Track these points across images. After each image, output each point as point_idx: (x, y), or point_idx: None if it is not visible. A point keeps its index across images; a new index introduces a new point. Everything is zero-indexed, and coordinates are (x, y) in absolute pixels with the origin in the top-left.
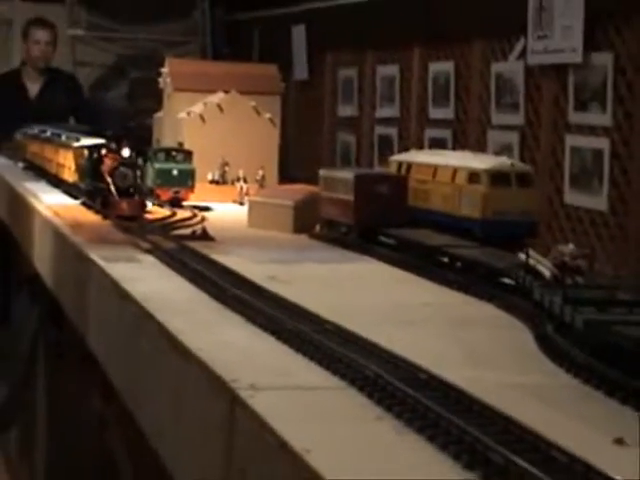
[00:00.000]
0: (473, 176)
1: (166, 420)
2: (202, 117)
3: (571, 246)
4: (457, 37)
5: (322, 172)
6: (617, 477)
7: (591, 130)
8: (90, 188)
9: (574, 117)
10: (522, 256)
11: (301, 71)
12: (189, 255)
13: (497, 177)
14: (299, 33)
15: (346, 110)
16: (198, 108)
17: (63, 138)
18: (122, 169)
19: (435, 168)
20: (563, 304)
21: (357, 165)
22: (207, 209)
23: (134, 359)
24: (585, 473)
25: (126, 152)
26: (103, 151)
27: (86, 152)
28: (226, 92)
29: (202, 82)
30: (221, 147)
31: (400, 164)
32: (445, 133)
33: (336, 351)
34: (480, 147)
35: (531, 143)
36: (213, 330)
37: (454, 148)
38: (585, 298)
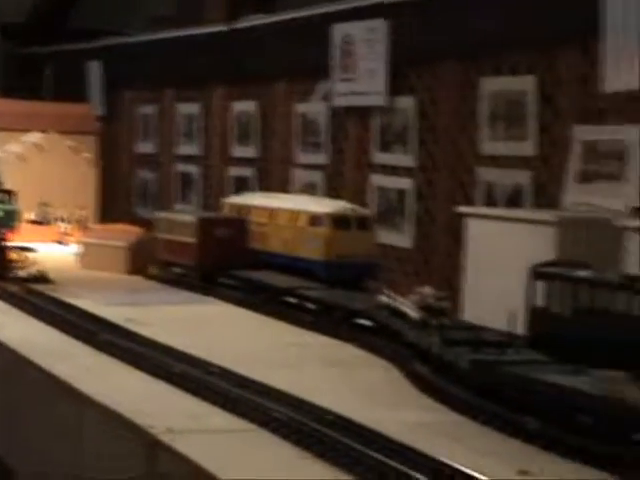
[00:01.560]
0: (315, 219)
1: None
2: (21, 156)
3: (428, 288)
4: (260, 77)
5: (160, 214)
6: None
7: (395, 170)
8: None
9: (378, 157)
10: (383, 298)
11: (98, 107)
12: (40, 298)
13: (339, 221)
14: (95, 69)
15: (146, 147)
16: (16, 147)
17: None
18: None
19: (273, 211)
20: (442, 345)
21: (157, 204)
22: (31, 250)
23: (12, 408)
24: None
25: None
26: None
27: None
28: (43, 132)
29: (17, 121)
30: (40, 187)
31: (235, 206)
32: (249, 171)
33: (236, 394)
34: (284, 186)
35: (336, 182)
36: (103, 376)
37: (259, 187)
38: (461, 339)
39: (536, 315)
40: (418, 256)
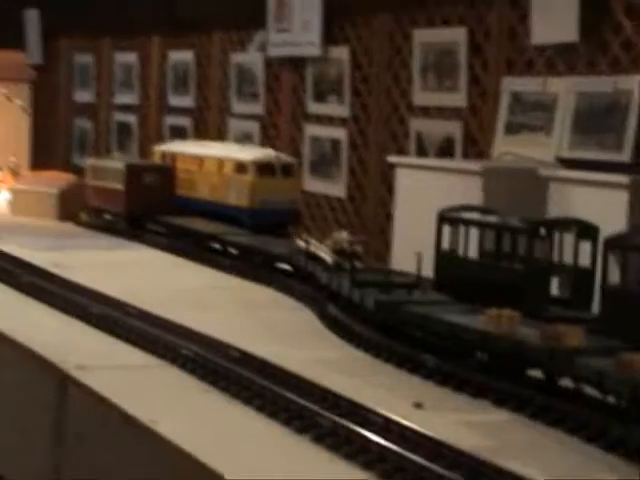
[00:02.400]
0: (240, 167)
1: None
2: None
3: (345, 233)
4: (197, 27)
5: (89, 161)
6: (428, 432)
7: (330, 121)
8: None
9: (313, 108)
10: (300, 242)
11: (35, 56)
12: None
13: (263, 168)
14: (32, 17)
15: (83, 96)
16: None
17: None
18: None
19: (201, 158)
20: (351, 287)
21: (95, 152)
22: None
23: None
24: (401, 432)
25: None
26: None
27: None
28: None
29: None
30: None
31: (165, 154)
32: (185, 121)
33: (150, 333)
34: (220, 135)
35: (271, 132)
36: (21, 315)
37: (195, 136)
38: (370, 281)
39: (442, 258)
40: (351, 206)
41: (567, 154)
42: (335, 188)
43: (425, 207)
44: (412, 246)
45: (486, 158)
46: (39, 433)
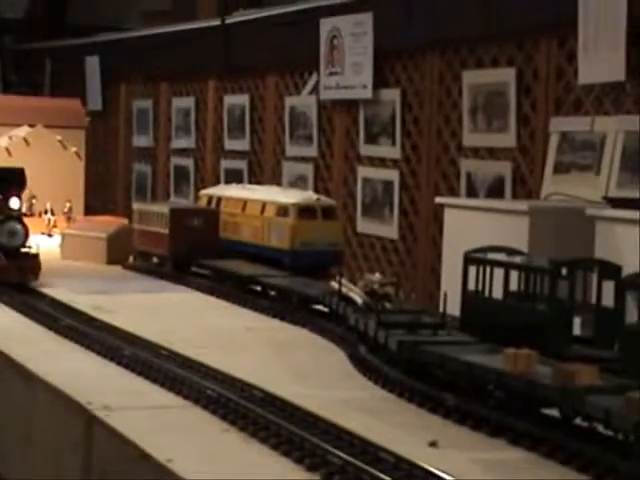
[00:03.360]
0: (282, 210)
1: (14, 444)
2: (8, 150)
3: (378, 274)
4: (252, 71)
5: (136, 205)
6: (434, 470)
7: (381, 162)
8: None
9: (365, 149)
10: (334, 284)
11: (95, 102)
12: (15, 289)
13: (304, 210)
14: (93, 64)
15: (141, 141)
16: (4, 141)
17: None
18: (11, 224)
19: (245, 202)
20: (377, 327)
21: (153, 196)
22: None
23: None
24: (410, 470)
25: (15, 202)
26: None
27: None
28: (31, 126)
29: (6, 116)
30: (28, 180)
31: (210, 197)
32: (241, 164)
33: (177, 374)
34: (275, 178)
35: (324, 174)
36: (56, 358)
37: (250, 179)
38: (396, 322)
39: (467, 299)
40: (403, 246)
41: (615, 193)
42: (387, 229)
43: (472, 247)
44: (460, 286)
45: (535, 198)
46: (69, 472)
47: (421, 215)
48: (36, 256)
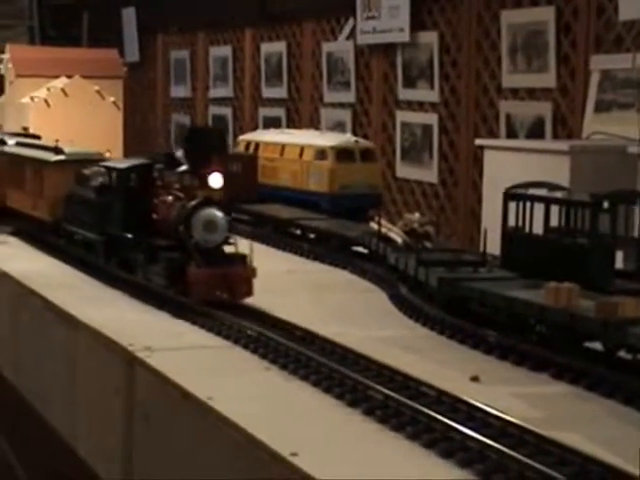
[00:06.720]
0: (320, 153)
1: (58, 387)
2: (47, 102)
3: (417, 214)
4: (288, 18)
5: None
6: (479, 404)
7: (420, 106)
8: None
9: (403, 94)
10: (373, 225)
11: (132, 53)
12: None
13: (342, 153)
14: (129, 15)
15: (179, 91)
16: (42, 93)
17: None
18: (209, 211)
19: (283, 146)
20: (417, 266)
21: None
22: None
23: (15, 335)
24: (453, 404)
25: (217, 180)
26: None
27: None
28: (69, 77)
29: (44, 68)
30: (66, 131)
31: (248, 143)
32: (279, 112)
33: (217, 315)
34: (313, 124)
35: (362, 120)
36: (100, 304)
37: (288, 126)
38: (436, 260)
39: (508, 235)
40: (443, 190)
41: None
42: (427, 173)
43: None
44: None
45: (576, 137)
46: (113, 414)
47: (461, 158)
48: (244, 258)
